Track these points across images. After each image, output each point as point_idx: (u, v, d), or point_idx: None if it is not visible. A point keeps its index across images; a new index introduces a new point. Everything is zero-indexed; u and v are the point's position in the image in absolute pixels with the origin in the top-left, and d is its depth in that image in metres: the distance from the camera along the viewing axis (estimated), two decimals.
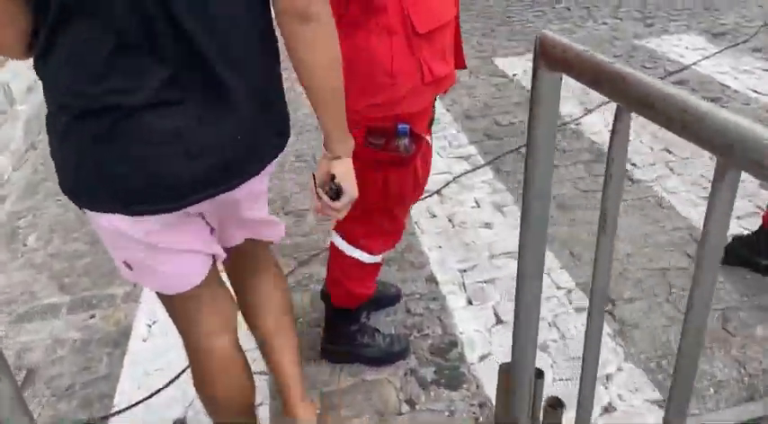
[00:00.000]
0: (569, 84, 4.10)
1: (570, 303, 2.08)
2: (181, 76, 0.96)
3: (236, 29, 0.99)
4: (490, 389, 1.71)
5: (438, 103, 1.68)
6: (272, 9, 1.03)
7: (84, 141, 0.98)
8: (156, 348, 2.00)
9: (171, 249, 1.11)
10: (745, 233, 2.23)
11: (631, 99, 0.86)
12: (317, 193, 1.17)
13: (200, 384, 1.37)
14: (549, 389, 1.53)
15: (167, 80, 0.95)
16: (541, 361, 1.67)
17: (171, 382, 1.84)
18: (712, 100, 3.50)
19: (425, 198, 2.68)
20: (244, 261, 1.39)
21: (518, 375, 1.21)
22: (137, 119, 0.96)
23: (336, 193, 1.15)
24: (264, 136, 1.09)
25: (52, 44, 0.95)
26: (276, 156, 1.14)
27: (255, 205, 1.23)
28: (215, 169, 1.03)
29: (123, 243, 1.09)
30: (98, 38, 0.92)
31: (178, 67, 0.95)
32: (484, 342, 1.94)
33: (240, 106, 1.01)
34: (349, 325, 1.87)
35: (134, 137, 0.97)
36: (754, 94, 3.54)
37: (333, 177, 1.14)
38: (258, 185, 1.17)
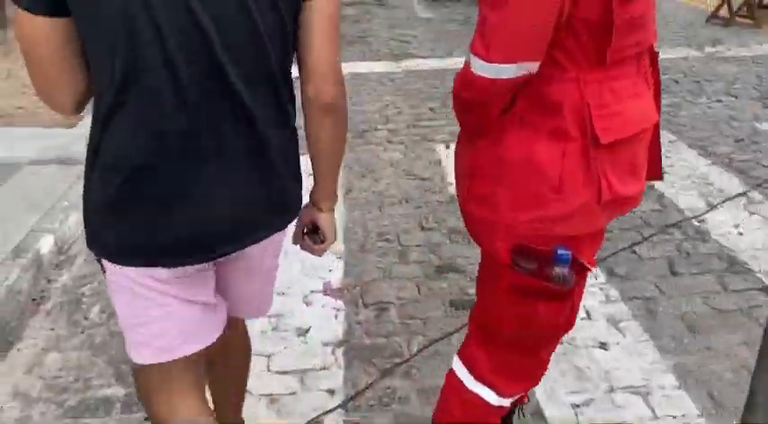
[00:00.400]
0: (689, 168, 3.64)
1: None
2: (227, 135, 1.05)
3: (275, 93, 1.10)
4: None
5: None
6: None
7: (136, 200, 1.04)
8: None
9: (192, 299, 1.18)
10: None
11: None
12: (302, 236, 1.34)
13: None
14: None
15: (214, 137, 1.04)
16: None
17: None
18: None
19: None
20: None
21: None
22: (185, 176, 1.04)
23: (321, 240, 1.32)
24: (285, 194, 1.19)
25: (117, 106, 1.01)
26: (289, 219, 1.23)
27: (256, 275, 1.33)
28: (245, 222, 1.13)
29: (144, 298, 1.14)
30: (160, 100, 1.00)
31: (223, 126, 1.05)
32: None
33: (269, 163, 1.12)
34: None
35: (184, 194, 1.05)
36: None
37: (316, 225, 1.31)
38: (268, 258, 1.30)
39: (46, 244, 2.66)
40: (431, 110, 4.54)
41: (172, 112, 1.00)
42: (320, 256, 1.39)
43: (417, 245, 2.81)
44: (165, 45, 0.96)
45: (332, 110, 1.12)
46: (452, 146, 4.08)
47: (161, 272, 1.11)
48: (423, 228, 2.95)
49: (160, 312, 1.16)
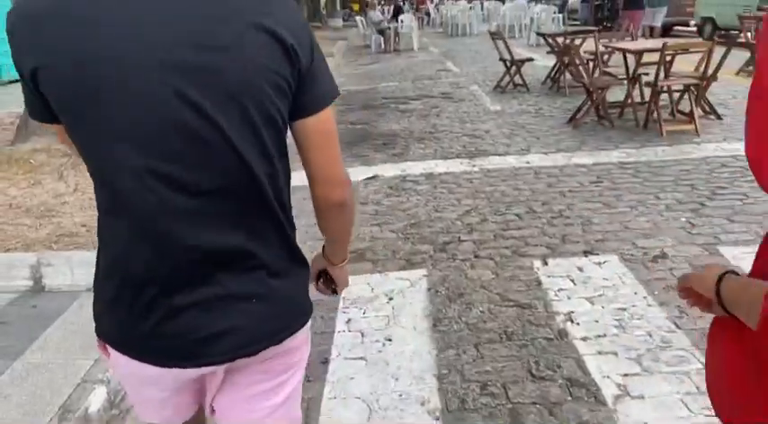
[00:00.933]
0: None
1: None
2: (211, 250, 1.06)
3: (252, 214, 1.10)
4: None
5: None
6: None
7: (126, 307, 1.10)
8: None
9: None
10: None
11: None
12: (315, 282, 1.43)
13: None
14: None
15: (198, 251, 1.06)
16: None
17: None
18: None
19: None
20: None
21: None
22: (168, 298, 1.08)
23: (334, 290, 1.44)
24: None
25: (109, 217, 1.09)
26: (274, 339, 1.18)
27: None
28: (228, 336, 1.12)
29: (147, 388, 1.22)
30: (141, 220, 1.04)
31: (204, 241, 1.06)
32: None
33: (256, 279, 1.13)
34: None
35: (164, 314, 1.08)
36: None
37: (327, 275, 1.41)
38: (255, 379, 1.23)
39: (97, 400, 2.29)
40: (518, 217, 4.11)
41: (153, 231, 1.04)
42: (334, 296, 1.50)
43: (532, 403, 2.29)
44: (144, 172, 0.99)
45: (340, 207, 1.20)
46: (550, 262, 3.67)
47: (151, 370, 1.14)
48: (533, 377, 2.44)
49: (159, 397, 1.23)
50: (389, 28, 15.75)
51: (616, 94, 6.95)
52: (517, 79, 8.73)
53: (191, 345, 1.10)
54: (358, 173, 5.29)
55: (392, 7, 19.62)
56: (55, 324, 2.78)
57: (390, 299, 3.13)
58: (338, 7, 28.08)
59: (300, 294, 1.22)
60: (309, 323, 1.25)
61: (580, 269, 3.30)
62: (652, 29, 12.23)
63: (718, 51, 5.81)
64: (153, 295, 1.07)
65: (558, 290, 3.10)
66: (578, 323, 2.79)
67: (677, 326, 2.72)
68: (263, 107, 1.01)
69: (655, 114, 5.98)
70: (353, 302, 3.12)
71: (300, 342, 1.24)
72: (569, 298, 3.02)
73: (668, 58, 6.06)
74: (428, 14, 24.77)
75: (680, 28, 15.70)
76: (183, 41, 0.94)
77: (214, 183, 1.02)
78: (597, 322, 2.78)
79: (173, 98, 0.95)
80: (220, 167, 1.01)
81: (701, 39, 12.37)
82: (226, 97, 0.97)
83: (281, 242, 1.14)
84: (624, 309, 2.87)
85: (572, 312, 2.89)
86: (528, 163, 5.32)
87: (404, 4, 24.96)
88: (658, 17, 12.27)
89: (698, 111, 6.01)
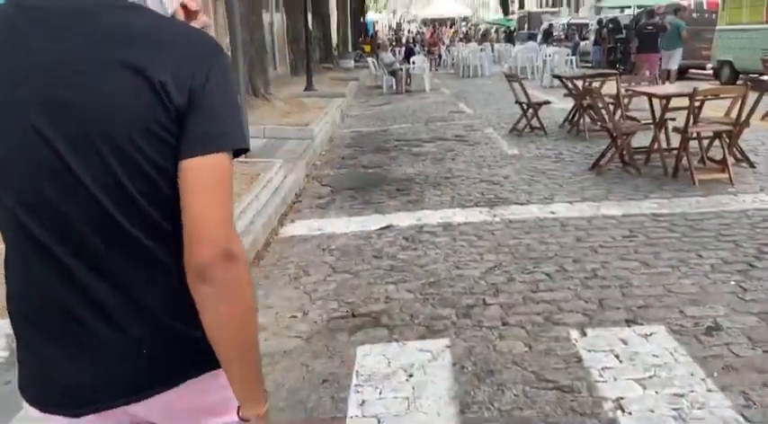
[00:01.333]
0: None
1: None
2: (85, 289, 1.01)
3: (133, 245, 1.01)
4: None
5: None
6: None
7: (22, 345, 1.09)
8: None
9: None
10: None
11: None
12: None
13: None
14: None
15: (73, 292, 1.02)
16: None
17: None
18: None
19: None
20: None
21: None
22: (52, 329, 1.04)
23: None
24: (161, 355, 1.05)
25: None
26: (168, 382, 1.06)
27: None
28: (111, 382, 1.05)
29: None
30: (21, 247, 1.03)
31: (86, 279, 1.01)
32: None
33: (137, 322, 1.03)
34: None
35: (42, 345, 1.05)
36: None
37: None
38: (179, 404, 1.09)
39: None
40: (548, 276, 3.75)
41: (33, 269, 1.03)
42: None
43: None
44: (17, 211, 1.00)
45: (205, 279, 0.95)
46: (589, 333, 3.26)
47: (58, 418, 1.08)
48: None
49: None
50: (401, 69, 15.66)
51: (639, 140, 6.65)
52: (534, 122, 8.47)
53: (80, 390, 1.06)
54: (371, 222, 4.98)
55: (404, 49, 19.65)
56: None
57: (410, 376, 2.75)
58: (350, 49, 28.31)
59: (169, 355, 1.05)
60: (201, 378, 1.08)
61: (624, 342, 2.92)
62: (668, 72, 12.04)
63: (749, 96, 5.52)
64: (32, 338, 1.06)
65: (603, 369, 2.71)
66: (630, 413, 2.40)
67: (745, 418, 2.33)
68: (122, 149, 0.95)
69: (685, 161, 5.66)
70: (368, 378, 2.75)
71: (185, 397, 1.08)
72: (616, 379, 2.63)
73: (697, 104, 5.77)
74: (440, 56, 24.84)
75: (695, 71, 15.52)
76: (50, 80, 0.94)
77: (79, 226, 0.99)
78: (653, 411, 2.39)
79: (34, 136, 0.95)
80: (79, 210, 0.98)
81: (718, 83, 12.17)
82: (81, 137, 0.95)
83: (148, 296, 1.02)
84: (682, 395, 2.48)
85: (621, 398, 2.49)
86: (553, 213, 4.98)
87: (415, 46, 25.12)
88: (674, 60, 12.09)
89: (730, 159, 5.68)
